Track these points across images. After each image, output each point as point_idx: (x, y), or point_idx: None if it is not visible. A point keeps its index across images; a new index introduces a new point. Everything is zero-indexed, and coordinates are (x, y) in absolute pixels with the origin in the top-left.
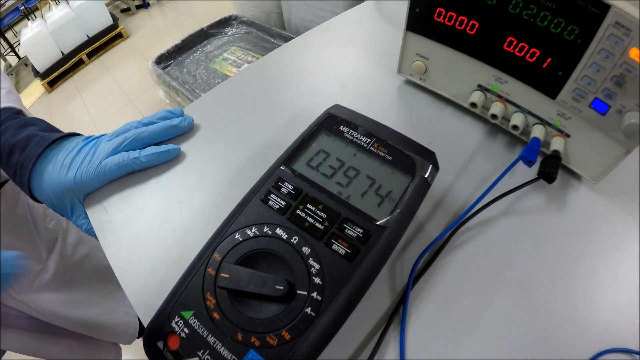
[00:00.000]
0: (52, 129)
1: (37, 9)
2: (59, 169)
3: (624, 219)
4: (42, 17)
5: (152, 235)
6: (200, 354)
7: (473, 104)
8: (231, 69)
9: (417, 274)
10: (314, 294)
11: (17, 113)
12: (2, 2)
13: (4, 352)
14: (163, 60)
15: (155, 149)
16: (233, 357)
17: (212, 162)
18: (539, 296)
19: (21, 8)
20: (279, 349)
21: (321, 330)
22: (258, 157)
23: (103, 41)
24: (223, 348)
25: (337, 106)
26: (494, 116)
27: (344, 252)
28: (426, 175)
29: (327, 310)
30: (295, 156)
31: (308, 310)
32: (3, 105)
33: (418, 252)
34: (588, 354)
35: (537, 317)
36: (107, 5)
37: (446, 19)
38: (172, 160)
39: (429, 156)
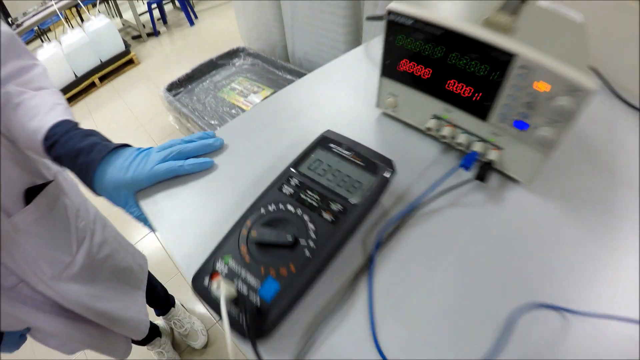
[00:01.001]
0: (108, 140)
1: (49, 30)
2: (119, 170)
3: (547, 209)
4: (57, 39)
5: (192, 219)
6: (235, 280)
7: (428, 128)
8: (238, 99)
9: (381, 242)
10: (311, 244)
11: (76, 124)
12: (20, 22)
13: (28, 329)
14: (174, 87)
15: (195, 160)
16: (257, 281)
17: (237, 171)
18: (474, 263)
19: (35, 29)
20: (287, 278)
21: (315, 267)
22: (272, 167)
23: (115, 66)
24: (251, 277)
25: (329, 131)
26: (444, 137)
27: (330, 219)
28: (385, 175)
29: (319, 254)
30: (299, 162)
31: (307, 253)
32: (64, 117)
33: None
34: (514, 306)
35: (471, 277)
36: (119, 31)
37: (407, 68)
38: (207, 169)
39: (389, 163)
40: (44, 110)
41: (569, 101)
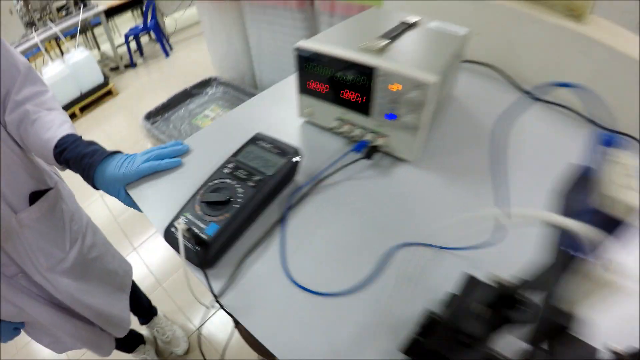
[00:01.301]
0: (104, 148)
1: (31, 62)
2: (113, 169)
3: (428, 179)
4: (39, 71)
5: (166, 199)
6: (190, 226)
7: (334, 128)
8: None
9: (292, 205)
10: (239, 201)
11: (80, 137)
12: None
13: (23, 324)
14: (152, 116)
15: (169, 160)
16: (205, 225)
17: (198, 166)
18: (363, 216)
19: None
20: (224, 222)
21: (242, 215)
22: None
23: (95, 97)
24: (201, 223)
25: (258, 133)
26: (345, 132)
27: (252, 185)
28: (294, 158)
29: (245, 207)
30: (236, 153)
31: (237, 206)
32: (71, 132)
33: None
34: (393, 244)
35: (360, 226)
36: (97, 63)
37: (314, 86)
38: (177, 166)
39: (296, 150)
40: (56, 126)
41: (417, 94)
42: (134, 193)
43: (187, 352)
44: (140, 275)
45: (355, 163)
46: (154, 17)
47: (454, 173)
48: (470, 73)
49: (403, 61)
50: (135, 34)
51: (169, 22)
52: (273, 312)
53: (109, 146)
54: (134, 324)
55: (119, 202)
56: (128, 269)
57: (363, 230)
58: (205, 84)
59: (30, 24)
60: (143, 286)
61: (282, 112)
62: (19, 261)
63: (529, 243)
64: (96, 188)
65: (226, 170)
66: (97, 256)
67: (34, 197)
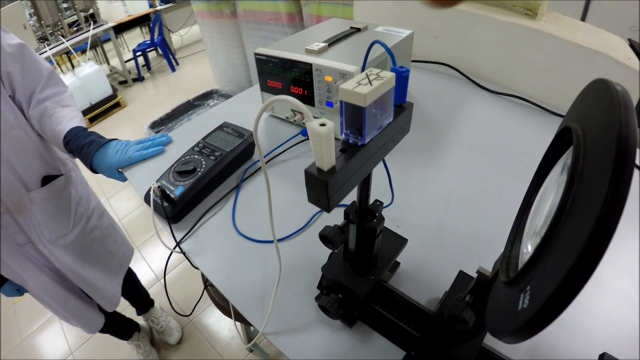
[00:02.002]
0: (103, 137)
1: None
2: (109, 156)
3: None
4: None
5: (151, 175)
6: (163, 189)
7: (287, 118)
8: None
9: (245, 176)
10: (202, 170)
11: (85, 129)
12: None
13: (26, 290)
14: (156, 125)
15: (155, 148)
16: (173, 188)
17: (177, 151)
18: (301, 188)
19: None
20: (189, 186)
21: (205, 182)
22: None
23: (104, 108)
24: (171, 186)
25: (225, 122)
26: (296, 121)
27: (213, 158)
28: (248, 139)
29: (207, 175)
30: (206, 137)
31: (200, 174)
32: (78, 124)
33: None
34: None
35: (298, 191)
36: (107, 77)
37: (271, 84)
38: (161, 153)
39: (250, 133)
40: (66, 120)
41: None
42: (129, 174)
43: (179, 341)
44: (140, 271)
45: (301, 143)
46: (160, 34)
47: (406, 152)
48: (428, 72)
49: (335, 58)
50: (142, 49)
51: (176, 39)
52: (220, 255)
53: None
54: (132, 314)
55: (123, 205)
56: (128, 252)
57: (299, 197)
58: (206, 95)
59: (43, 39)
60: (143, 280)
61: (249, 109)
62: (28, 231)
63: None
64: (95, 172)
65: (196, 149)
66: (98, 237)
67: (46, 180)
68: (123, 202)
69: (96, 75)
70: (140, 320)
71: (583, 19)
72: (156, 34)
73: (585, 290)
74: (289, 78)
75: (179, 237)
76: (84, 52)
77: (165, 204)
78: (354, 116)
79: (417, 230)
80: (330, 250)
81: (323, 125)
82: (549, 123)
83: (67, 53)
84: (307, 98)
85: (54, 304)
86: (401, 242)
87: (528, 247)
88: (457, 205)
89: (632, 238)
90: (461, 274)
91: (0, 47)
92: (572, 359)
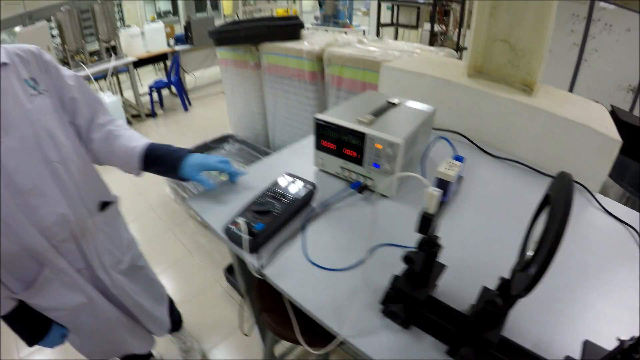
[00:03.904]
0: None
1: None
2: (195, 159)
3: (399, 206)
4: None
5: (219, 209)
6: (245, 224)
7: (337, 173)
8: (226, 175)
9: (310, 218)
10: (277, 211)
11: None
12: None
13: (67, 330)
14: None
15: (235, 170)
16: (254, 223)
17: (241, 192)
18: (355, 227)
19: None
20: (266, 224)
21: (279, 221)
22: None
23: None
24: (252, 222)
25: (286, 171)
26: (345, 176)
27: (286, 202)
28: (310, 189)
29: (280, 215)
30: (274, 184)
31: (275, 214)
32: (147, 141)
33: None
34: (375, 244)
35: (353, 234)
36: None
37: (326, 144)
38: (226, 189)
39: (313, 185)
40: (137, 137)
41: (391, 150)
42: (196, 204)
43: None
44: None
45: (352, 196)
46: (177, 73)
47: (415, 204)
48: (443, 139)
49: (383, 129)
50: (159, 87)
51: (189, 80)
52: (296, 279)
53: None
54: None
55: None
56: (162, 284)
57: (355, 235)
58: (223, 139)
59: (64, 62)
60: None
61: (300, 162)
62: (89, 256)
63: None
64: (178, 175)
65: (268, 194)
66: (142, 265)
67: (102, 205)
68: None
69: (113, 107)
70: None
71: (574, 77)
72: (173, 73)
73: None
74: (342, 141)
75: (256, 263)
76: (97, 80)
77: (247, 236)
78: (443, 186)
79: (446, 260)
80: (392, 275)
81: (435, 191)
82: (538, 181)
83: (87, 79)
84: (357, 159)
85: (115, 327)
86: (441, 267)
87: (530, 252)
88: (472, 241)
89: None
90: (485, 289)
91: (61, 73)
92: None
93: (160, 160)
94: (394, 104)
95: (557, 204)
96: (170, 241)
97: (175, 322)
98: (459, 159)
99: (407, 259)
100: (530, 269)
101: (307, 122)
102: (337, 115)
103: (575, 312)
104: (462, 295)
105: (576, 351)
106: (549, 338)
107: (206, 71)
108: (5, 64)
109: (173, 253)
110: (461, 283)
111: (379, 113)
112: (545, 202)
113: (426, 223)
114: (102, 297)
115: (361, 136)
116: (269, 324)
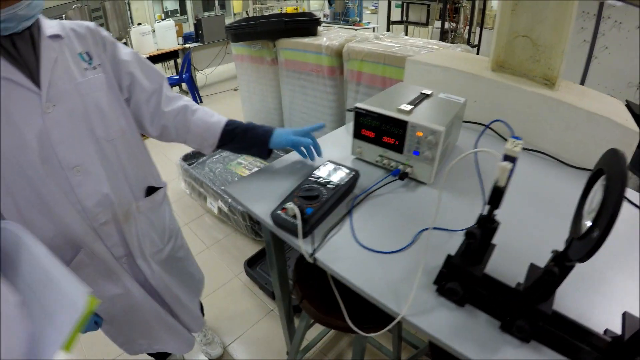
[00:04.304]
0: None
1: None
2: (286, 130)
3: (436, 193)
4: None
5: (261, 194)
6: (292, 208)
7: (377, 161)
8: (244, 171)
9: (354, 204)
10: (323, 197)
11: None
12: None
13: (101, 319)
14: (189, 158)
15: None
16: (300, 210)
17: (282, 178)
18: (398, 211)
19: None
20: (315, 208)
21: (326, 205)
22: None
23: None
24: (295, 207)
25: (330, 159)
26: (384, 164)
27: (332, 187)
28: (353, 175)
29: (327, 200)
30: (317, 170)
31: (322, 199)
32: (227, 119)
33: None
34: (419, 228)
35: (398, 218)
36: None
37: (365, 133)
38: (272, 172)
39: (355, 172)
40: (215, 114)
41: (432, 137)
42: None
43: (220, 358)
44: None
45: (392, 182)
46: (188, 70)
47: (453, 191)
48: (470, 131)
49: (424, 117)
50: (171, 84)
51: (200, 77)
52: (347, 263)
53: None
54: None
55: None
56: (201, 277)
57: (399, 220)
58: None
59: None
60: None
61: (333, 151)
62: (130, 243)
63: None
64: (266, 147)
65: (312, 180)
66: (182, 257)
67: (149, 191)
68: None
69: None
70: None
71: (585, 73)
72: (184, 70)
73: None
74: (382, 130)
75: (308, 249)
76: None
77: (297, 221)
78: (510, 161)
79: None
80: (446, 255)
81: (508, 164)
82: (560, 171)
83: None
84: (397, 147)
85: (155, 324)
86: (492, 246)
87: (587, 223)
88: (508, 227)
89: None
90: (532, 266)
91: (118, 49)
92: None
93: (243, 136)
94: (427, 95)
95: (613, 173)
96: (187, 236)
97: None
98: (518, 138)
99: (470, 234)
100: (594, 234)
101: (323, 117)
102: (377, 105)
103: (608, 291)
104: (504, 274)
105: (615, 324)
106: (588, 313)
107: (216, 69)
108: (59, 36)
109: (191, 248)
110: (502, 262)
111: (415, 103)
112: (597, 175)
113: (497, 195)
114: (140, 289)
115: (403, 124)
116: (311, 311)
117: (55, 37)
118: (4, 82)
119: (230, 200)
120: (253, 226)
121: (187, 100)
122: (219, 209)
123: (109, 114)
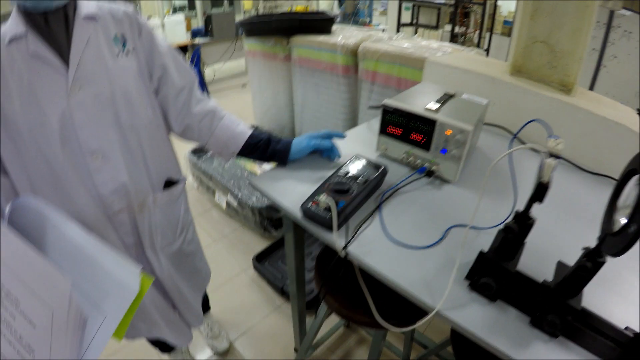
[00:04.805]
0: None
1: None
2: (303, 139)
3: (463, 194)
4: None
5: (288, 189)
6: (325, 201)
7: (403, 159)
8: (254, 166)
9: (383, 199)
10: (354, 191)
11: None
12: None
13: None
14: (197, 152)
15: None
16: (334, 202)
17: (307, 173)
18: (425, 208)
19: None
20: (347, 201)
21: (357, 199)
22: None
23: None
24: (330, 199)
25: (357, 154)
26: (410, 162)
27: (361, 182)
28: (382, 170)
29: (358, 194)
30: (344, 166)
31: (353, 194)
32: (251, 131)
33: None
34: (447, 225)
35: (424, 214)
36: None
37: (391, 130)
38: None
39: (383, 167)
40: (241, 122)
41: (461, 136)
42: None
43: (227, 352)
44: None
45: (418, 180)
46: (197, 65)
47: (477, 189)
48: (489, 133)
49: (451, 116)
50: None
51: (208, 72)
52: (379, 257)
53: None
54: None
55: None
56: (208, 272)
57: (426, 216)
58: None
59: None
60: None
61: (358, 148)
62: (142, 233)
63: None
64: (284, 158)
65: (340, 174)
66: (191, 251)
67: (167, 184)
68: None
69: None
70: None
71: (593, 82)
72: (193, 65)
73: None
74: (409, 127)
75: (340, 242)
76: None
77: (333, 213)
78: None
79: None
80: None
81: (553, 160)
82: (576, 176)
83: None
84: (424, 144)
85: (155, 312)
86: (524, 243)
87: (622, 219)
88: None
89: None
90: (559, 263)
91: (154, 38)
92: None
93: (264, 149)
94: (451, 95)
95: None
96: None
97: (203, 304)
98: (556, 137)
99: (508, 229)
100: (630, 228)
101: (336, 116)
102: (403, 102)
103: (624, 290)
104: (529, 271)
105: (634, 322)
106: (609, 311)
107: (225, 65)
108: (94, 17)
109: None
110: (541, 259)
111: (442, 102)
112: (629, 175)
113: (542, 191)
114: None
115: (432, 122)
116: (335, 306)
117: (91, 18)
118: (32, 59)
119: (239, 195)
120: (262, 221)
121: (215, 104)
122: (228, 203)
123: (136, 102)
